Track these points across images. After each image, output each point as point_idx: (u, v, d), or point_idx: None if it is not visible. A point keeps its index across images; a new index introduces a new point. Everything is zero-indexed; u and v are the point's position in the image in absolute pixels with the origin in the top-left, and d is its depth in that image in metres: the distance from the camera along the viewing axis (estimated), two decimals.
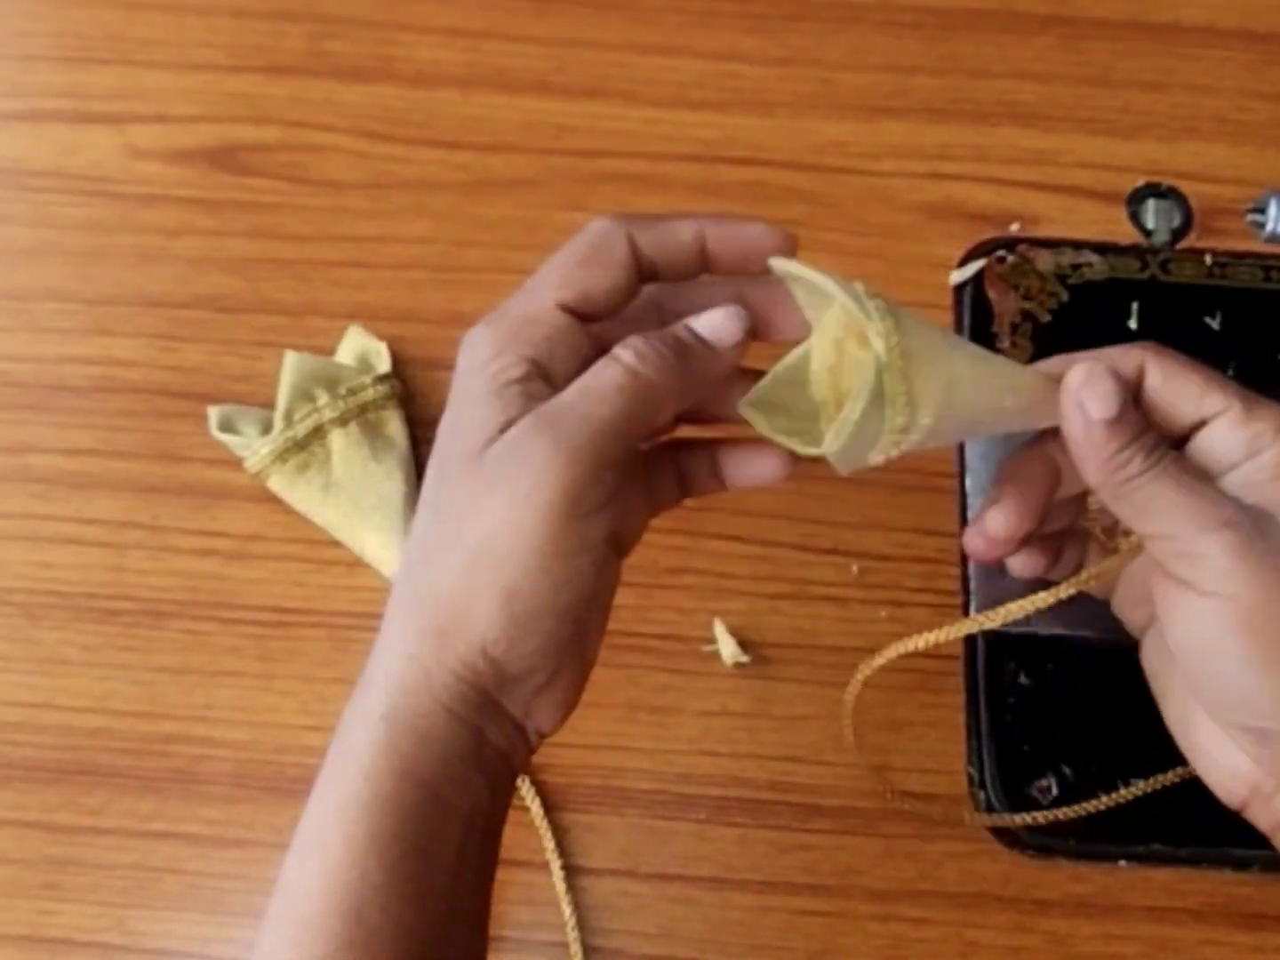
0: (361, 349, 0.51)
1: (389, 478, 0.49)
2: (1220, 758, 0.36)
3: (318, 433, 0.49)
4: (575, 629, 0.33)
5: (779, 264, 0.34)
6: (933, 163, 0.57)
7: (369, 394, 0.50)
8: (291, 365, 0.49)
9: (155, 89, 0.57)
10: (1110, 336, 0.53)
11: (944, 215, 0.56)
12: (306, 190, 0.56)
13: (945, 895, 0.46)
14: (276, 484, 0.49)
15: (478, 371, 0.33)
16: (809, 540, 0.51)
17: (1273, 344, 0.53)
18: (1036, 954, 0.46)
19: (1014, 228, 0.56)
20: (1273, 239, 0.54)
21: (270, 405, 0.50)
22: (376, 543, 0.48)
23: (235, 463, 0.51)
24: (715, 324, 0.35)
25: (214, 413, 0.50)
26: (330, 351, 0.52)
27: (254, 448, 0.49)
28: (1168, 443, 0.35)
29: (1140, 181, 0.57)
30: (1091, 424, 0.34)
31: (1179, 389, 0.34)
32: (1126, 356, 0.35)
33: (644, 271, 0.35)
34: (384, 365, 0.51)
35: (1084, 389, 0.34)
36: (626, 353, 0.33)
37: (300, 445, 0.48)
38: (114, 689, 0.48)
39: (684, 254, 0.35)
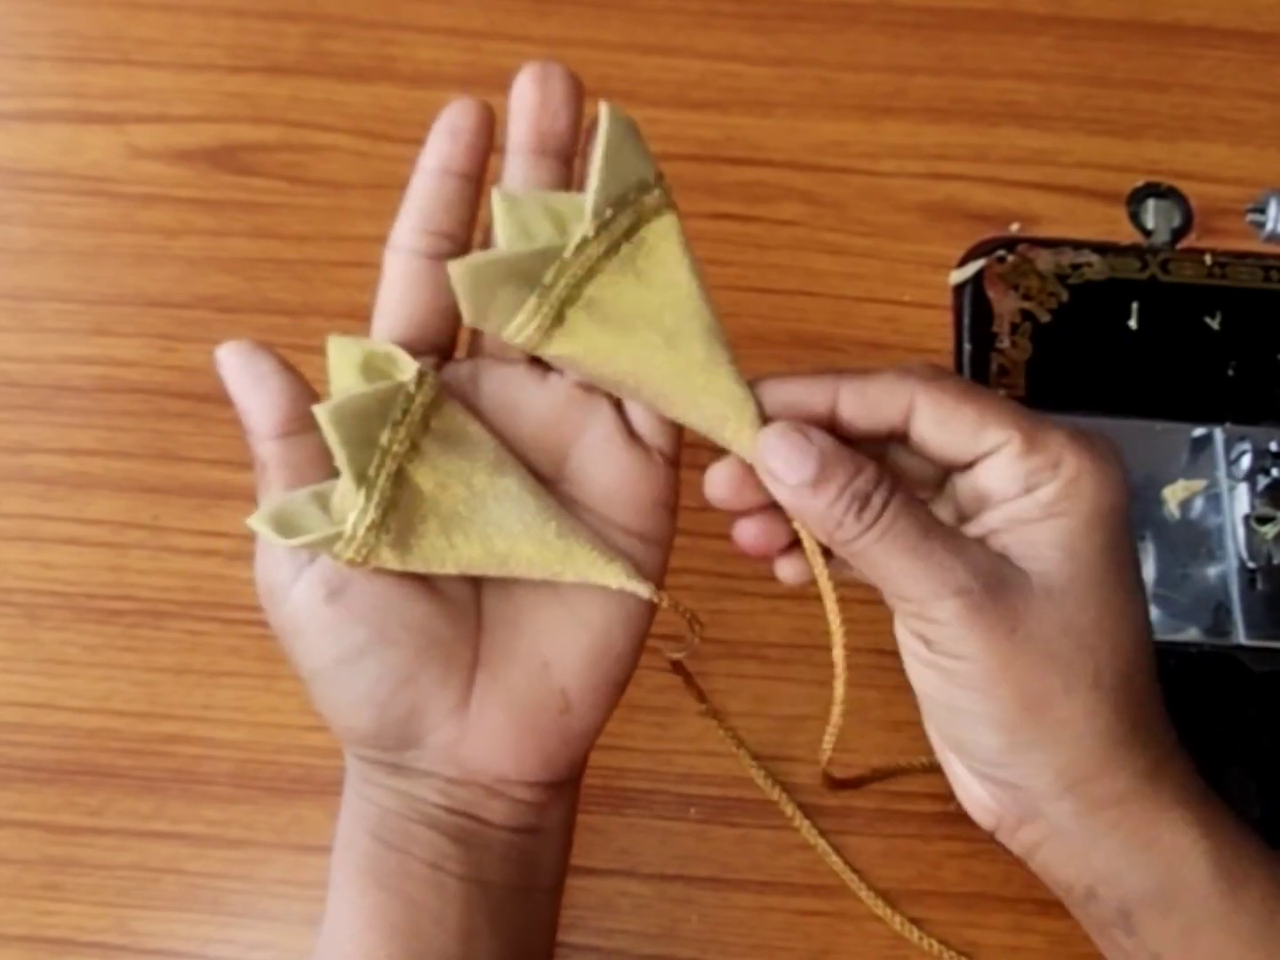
0: (362, 357, 0.39)
1: (497, 472, 0.36)
2: (968, 786, 0.36)
3: (399, 477, 0.36)
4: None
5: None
6: (933, 163, 0.57)
7: (421, 401, 0.37)
8: (330, 417, 0.36)
9: (155, 89, 0.57)
10: (1110, 336, 0.53)
11: (944, 215, 0.56)
12: (306, 190, 0.56)
13: (945, 895, 0.46)
14: (391, 558, 0.36)
15: None
16: None
17: (1273, 344, 0.53)
18: (1036, 954, 0.46)
19: (1014, 228, 0.56)
20: (1273, 239, 0.54)
21: None
22: (537, 548, 0.36)
23: (235, 463, 0.51)
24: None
25: (262, 522, 0.35)
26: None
27: (348, 528, 0.35)
28: (938, 477, 0.33)
29: (1140, 181, 0.57)
30: (791, 489, 0.32)
31: (953, 427, 0.32)
32: (892, 395, 0.32)
33: None
34: (408, 365, 0.38)
35: (771, 454, 0.32)
36: None
37: (393, 503, 0.36)
38: (114, 689, 0.48)
39: None
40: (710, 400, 0.33)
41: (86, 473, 0.51)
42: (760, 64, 0.58)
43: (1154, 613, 0.50)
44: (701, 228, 0.55)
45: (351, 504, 0.36)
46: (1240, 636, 0.49)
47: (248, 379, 0.33)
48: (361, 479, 0.36)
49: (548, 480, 0.35)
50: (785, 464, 0.32)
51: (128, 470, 0.51)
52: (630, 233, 0.34)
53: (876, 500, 0.31)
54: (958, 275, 0.54)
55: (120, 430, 0.52)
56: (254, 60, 0.58)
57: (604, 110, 0.34)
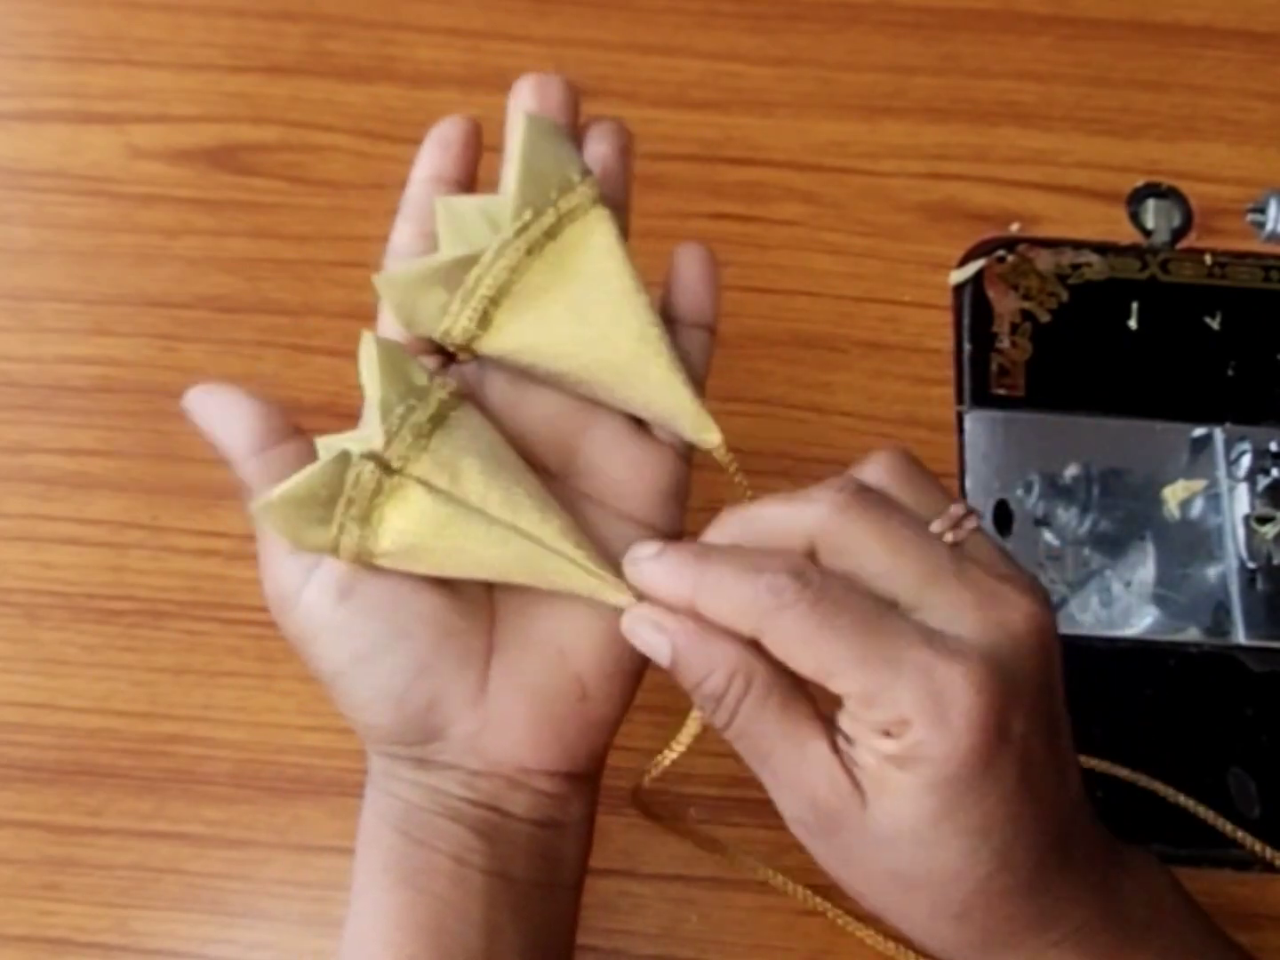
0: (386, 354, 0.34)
1: (504, 479, 0.34)
2: None
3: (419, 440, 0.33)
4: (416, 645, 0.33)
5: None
6: (933, 163, 0.57)
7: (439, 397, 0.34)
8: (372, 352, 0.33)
9: (155, 89, 0.57)
10: (1110, 336, 0.53)
11: (944, 215, 0.56)
12: (306, 190, 0.56)
13: None
14: (427, 467, 0.32)
15: None
16: None
17: (1273, 344, 0.53)
18: None
19: (1014, 228, 0.56)
20: (1273, 239, 0.54)
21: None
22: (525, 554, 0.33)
23: None
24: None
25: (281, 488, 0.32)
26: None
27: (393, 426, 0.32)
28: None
29: (1140, 181, 0.57)
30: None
31: (795, 667, 0.30)
32: (741, 617, 0.30)
33: None
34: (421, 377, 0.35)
35: (636, 639, 0.32)
36: None
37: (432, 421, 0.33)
38: (114, 689, 0.48)
39: None
40: (646, 391, 0.34)
41: (86, 473, 0.51)
42: (760, 64, 0.58)
43: (1154, 613, 0.50)
44: (701, 228, 0.55)
45: (377, 424, 0.33)
46: (1240, 636, 0.49)
47: (216, 411, 0.34)
48: (388, 412, 0.33)
49: (557, 475, 0.35)
50: (647, 650, 0.32)
51: (128, 470, 0.51)
52: (554, 232, 0.34)
53: (727, 704, 0.31)
54: (958, 275, 0.54)
55: (120, 430, 0.52)
56: (254, 60, 0.58)
57: (520, 117, 0.35)
